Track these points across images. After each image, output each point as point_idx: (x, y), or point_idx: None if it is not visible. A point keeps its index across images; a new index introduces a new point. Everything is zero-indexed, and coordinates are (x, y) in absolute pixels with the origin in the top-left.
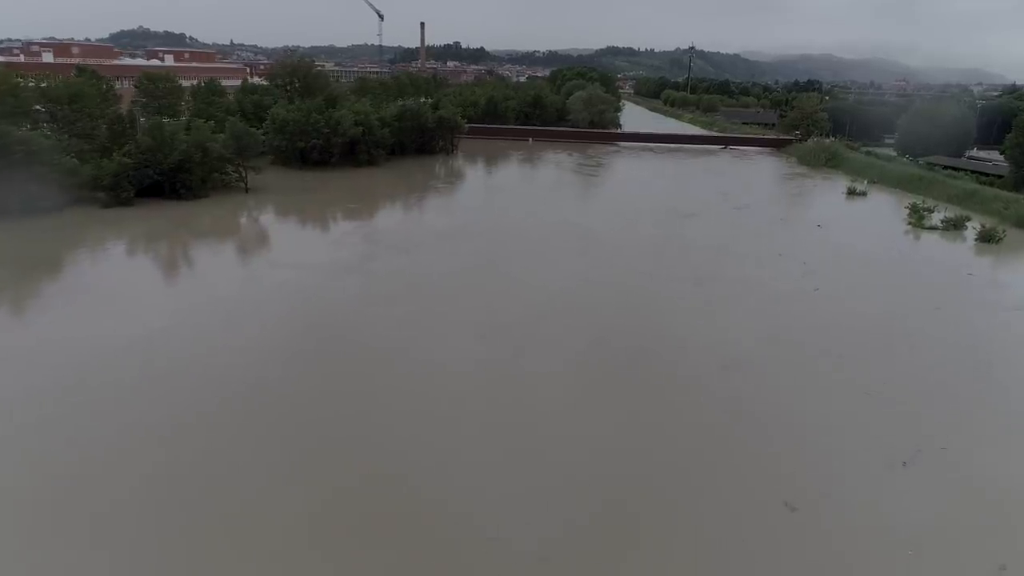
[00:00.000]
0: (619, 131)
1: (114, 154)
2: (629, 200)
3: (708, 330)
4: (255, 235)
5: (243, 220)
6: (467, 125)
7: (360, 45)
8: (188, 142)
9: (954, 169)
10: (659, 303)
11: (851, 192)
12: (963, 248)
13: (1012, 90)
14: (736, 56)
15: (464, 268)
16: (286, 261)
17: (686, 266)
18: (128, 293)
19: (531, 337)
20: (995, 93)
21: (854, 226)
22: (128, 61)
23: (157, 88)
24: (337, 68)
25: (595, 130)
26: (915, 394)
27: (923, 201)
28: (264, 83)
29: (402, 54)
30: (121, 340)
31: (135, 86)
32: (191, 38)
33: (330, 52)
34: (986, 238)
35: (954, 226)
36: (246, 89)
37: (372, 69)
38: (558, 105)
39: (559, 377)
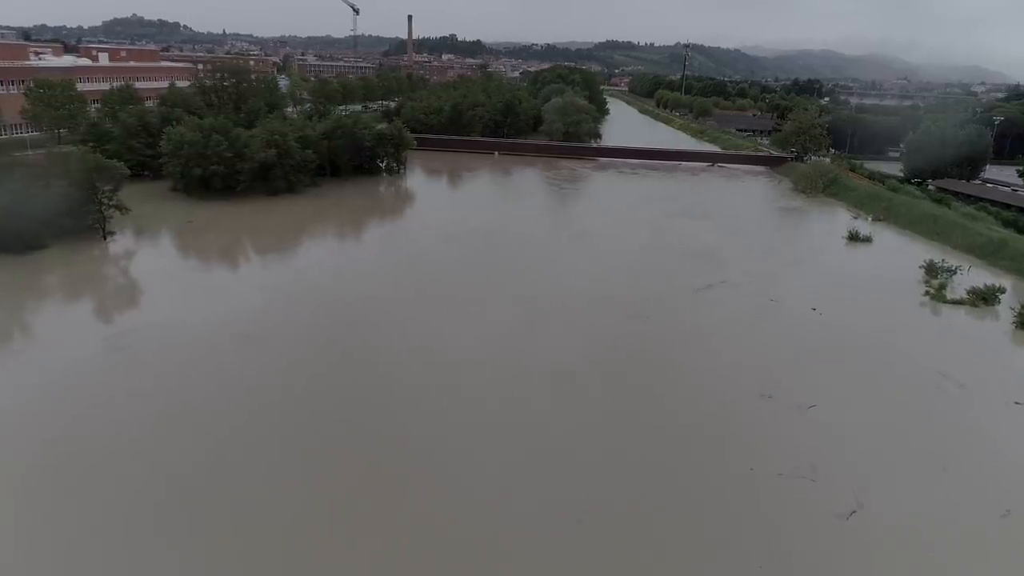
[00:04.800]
0: (595, 145)
1: None
2: (563, 278)
3: None
4: None
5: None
6: (422, 137)
7: (356, 36)
8: (22, 178)
9: (968, 198)
10: None
11: (853, 237)
12: (999, 337)
13: (1017, 91)
14: (737, 51)
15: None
16: None
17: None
18: None
19: None
20: (1000, 94)
21: (859, 300)
22: (53, 61)
23: (53, 96)
24: (318, 62)
25: (568, 144)
26: None
27: (942, 260)
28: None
29: (397, 45)
30: None
31: (24, 94)
32: (185, 27)
33: (327, 43)
34: None
35: (983, 299)
36: (168, 98)
37: (358, 64)
38: (534, 112)
39: None
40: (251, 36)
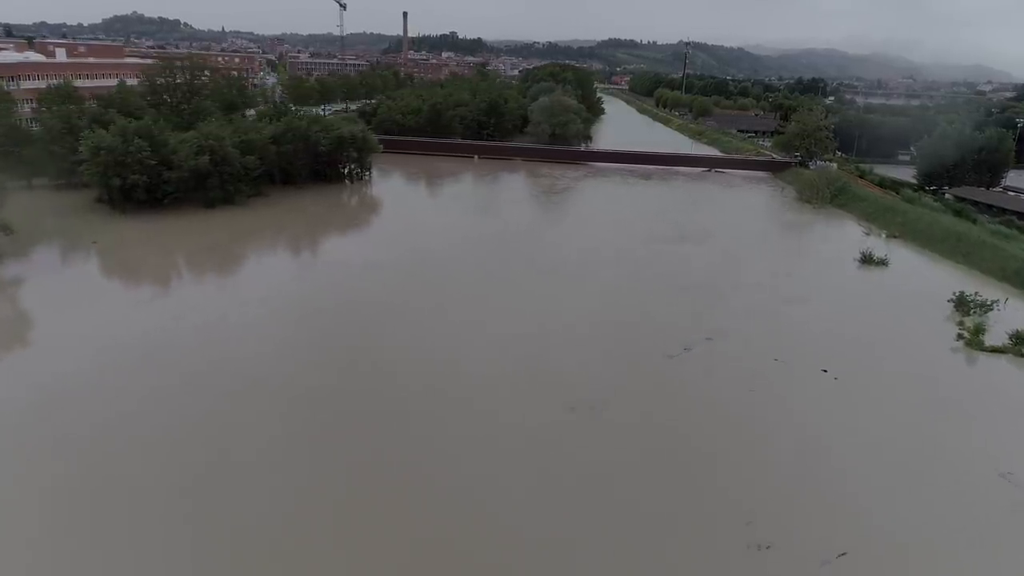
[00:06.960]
0: (583, 149)
1: None
2: (499, 340)
3: None
4: None
5: None
6: (398, 139)
7: (358, 34)
8: None
9: (990, 208)
10: None
11: (866, 259)
12: None
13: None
14: (740, 50)
15: None
16: None
17: None
18: None
19: None
20: (1008, 93)
21: (880, 352)
22: (2, 58)
23: None
24: (310, 60)
25: (554, 147)
26: None
27: (975, 293)
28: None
29: (396, 43)
30: None
31: None
32: (185, 24)
33: (327, 40)
34: None
35: None
36: (110, 97)
37: (353, 61)
38: (521, 112)
39: None
40: (251, 34)
